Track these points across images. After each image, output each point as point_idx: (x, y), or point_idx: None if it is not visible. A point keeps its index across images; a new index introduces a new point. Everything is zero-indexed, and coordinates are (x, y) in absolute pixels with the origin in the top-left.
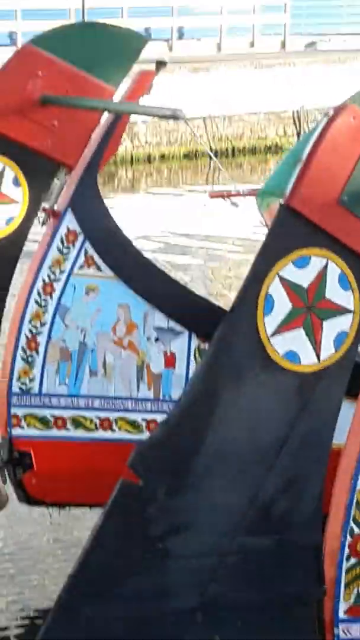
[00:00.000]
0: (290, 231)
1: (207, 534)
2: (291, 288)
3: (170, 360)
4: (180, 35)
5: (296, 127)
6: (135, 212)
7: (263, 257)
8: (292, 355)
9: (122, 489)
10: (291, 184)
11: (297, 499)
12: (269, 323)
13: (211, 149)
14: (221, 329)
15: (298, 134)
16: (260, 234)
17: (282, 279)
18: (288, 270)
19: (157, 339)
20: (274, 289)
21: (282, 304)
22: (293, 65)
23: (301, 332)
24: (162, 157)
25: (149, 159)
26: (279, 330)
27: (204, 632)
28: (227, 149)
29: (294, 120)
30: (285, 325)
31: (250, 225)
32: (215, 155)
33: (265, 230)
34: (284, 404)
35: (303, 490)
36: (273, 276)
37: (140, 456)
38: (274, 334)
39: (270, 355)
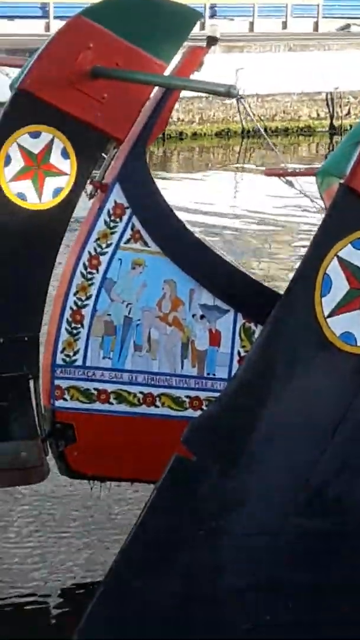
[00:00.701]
0: (350, 212)
1: (259, 512)
2: (349, 269)
3: (215, 338)
4: (213, 14)
5: (329, 109)
6: (166, 191)
7: (322, 237)
8: (348, 337)
9: (175, 464)
10: (351, 164)
11: (350, 481)
12: (326, 304)
13: (243, 129)
14: (277, 309)
15: (331, 117)
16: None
17: (340, 260)
18: (347, 251)
19: (202, 317)
20: (332, 270)
21: (340, 285)
22: (327, 48)
23: (358, 313)
24: (194, 134)
25: (180, 137)
26: (336, 311)
27: (255, 612)
28: (260, 131)
29: (327, 103)
30: (343, 307)
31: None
32: (248, 136)
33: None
34: (339, 385)
35: (357, 473)
36: (331, 257)
37: (194, 432)
38: (330, 314)
39: (326, 336)
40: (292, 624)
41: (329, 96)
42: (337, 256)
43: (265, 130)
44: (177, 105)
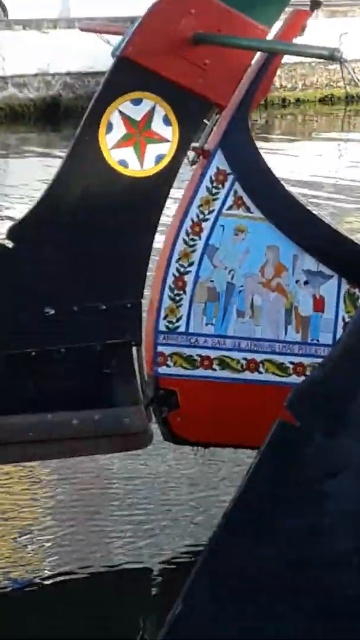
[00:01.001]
0: None
1: None
2: None
3: (319, 304)
4: None
5: None
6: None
7: None
8: None
9: (278, 430)
10: None
11: None
12: None
13: (347, 95)
14: None
15: None
16: None
17: None
18: None
19: (306, 282)
20: None
21: None
22: None
23: None
24: (297, 101)
25: (283, 104)
26: None
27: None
28: None
29: None
30: None
31: None
32: (352, 101)
33: None
34: None
35: None
36: None
37: (298, 397)
38: None
39: None
40: None
41: None
42: None
43: None
44: (279, 72)
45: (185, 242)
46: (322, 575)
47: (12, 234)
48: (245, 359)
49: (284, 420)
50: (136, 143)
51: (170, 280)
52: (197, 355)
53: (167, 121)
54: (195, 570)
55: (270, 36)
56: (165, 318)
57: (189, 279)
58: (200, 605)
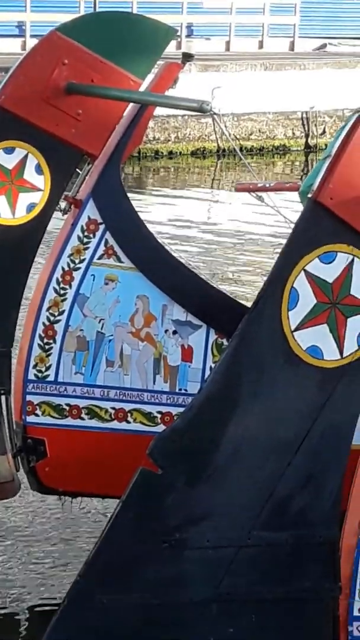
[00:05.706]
0: (317, 226)
1: (224, 525)
2: (316, 283)
3: (187, 354)
4: (189, 33)
5: (305, 128)
6: (141, 209)
7: (289, 251)
8: (315, 350)
9: (140, 477)
10: (319, 178)
11: (315, 495)
12: (293, 317)
13: (219, 148)
14: (245, 322)
15: (306, 136)
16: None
17: (307, 274)
18: (314, 265)
19: (174, 332)
20: (299, 283)
21: (307, 299)
22: (303, 67)
23: (325, 327)
24: (170, 153)
25: (156, 156)
26: (302, 324)
27: (218, 624)
28: (234, 149)
29: (303, 122)
30: (310, 320)
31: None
32: (223, 155)
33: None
34: (305, 399)
35: (321, 487)
36: (299, 271)
37: (160, 445)
38: (297, 328)
39: (293, 349)
40: (255, 637)
41: (304, 115)
42: (304, 270)
43: (241, 149)
44: (152, 124)
45: (55, 290)
46: (182, 622)
47: None
48: (113, 408)
49: (146, 468)
50: (8, 191)
51: (40, 328)
52: (65, 404)
53: (39, 170)
54: (55, 618)
55: (142, 88)
56: (34, 367)
57: (59, 327)
58: None
